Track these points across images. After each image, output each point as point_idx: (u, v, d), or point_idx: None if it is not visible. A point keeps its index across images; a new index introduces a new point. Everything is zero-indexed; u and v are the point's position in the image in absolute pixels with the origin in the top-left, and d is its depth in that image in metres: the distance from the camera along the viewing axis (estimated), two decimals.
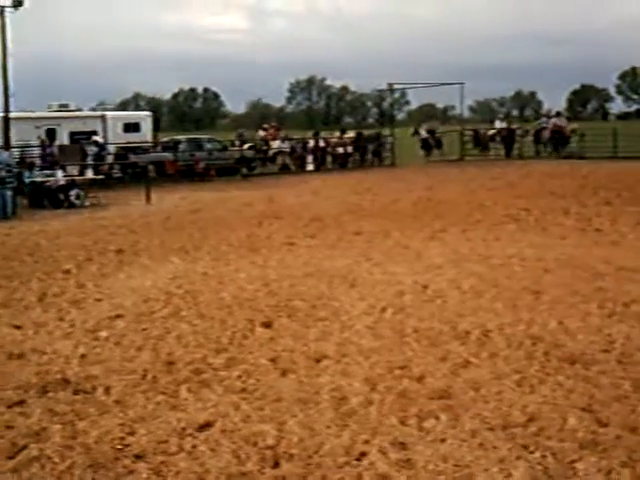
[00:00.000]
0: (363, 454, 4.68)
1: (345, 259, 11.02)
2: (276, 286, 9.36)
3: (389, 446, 4.76)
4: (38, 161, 24.88)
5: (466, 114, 58.36)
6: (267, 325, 7.67)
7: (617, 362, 6.18)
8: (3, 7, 25.82)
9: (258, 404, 5.55)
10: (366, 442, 4.83)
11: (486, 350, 6.61)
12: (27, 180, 21.17)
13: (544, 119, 38.43)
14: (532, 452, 4.63)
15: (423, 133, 37.02)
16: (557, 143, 34.26)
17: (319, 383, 5.96)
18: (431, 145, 36.27)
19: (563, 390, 5.62)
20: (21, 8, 25.28)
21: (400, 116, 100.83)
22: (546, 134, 34.84)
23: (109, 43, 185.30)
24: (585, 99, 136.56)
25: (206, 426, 5.15)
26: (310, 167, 31.97)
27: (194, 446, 4.84)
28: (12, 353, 7.05)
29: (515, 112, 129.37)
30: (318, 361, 6.51)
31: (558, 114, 37.89)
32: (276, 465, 4.58)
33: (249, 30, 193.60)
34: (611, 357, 6.31)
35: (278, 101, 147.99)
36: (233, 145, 33.57)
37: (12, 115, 27.43)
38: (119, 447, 4.85)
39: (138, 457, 4.70)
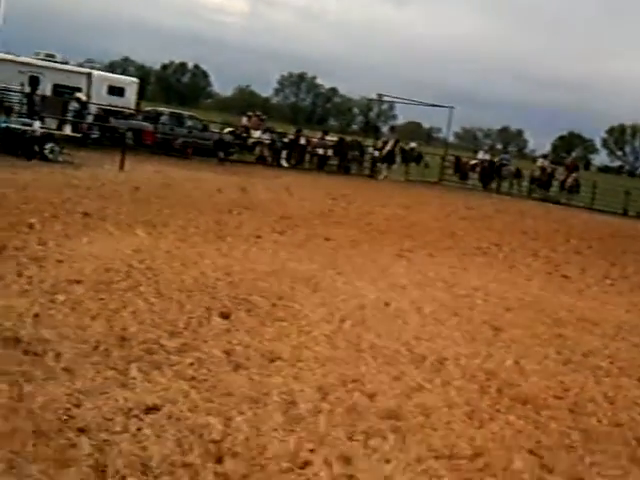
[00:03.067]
0: (307, 463, 4.61)
1: (310, 262, 10.94)
2: (238, 278, 9.25)
3: (334, 459, 4.69)
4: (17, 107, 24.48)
5: (451, 139, 58.57)
6: (225, 316, 7.55)
7: (569, 411, 6.18)
8: None
9: (207, 395, 5.45)
10: (311, 451, 4.77)
11: (440, 377, 6.58)
12: (2, 125, 20.75)
13: (505, 155, 40.36)
14: None
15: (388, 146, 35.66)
16: (541, 184, 34.95)
17: (270, 383, 5.88)
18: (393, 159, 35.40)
19: (512, 430, 5.61)
20: None
21: (385, 128, 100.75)
22: (506, 171, 35.99)
23: (105, 5, 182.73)
24: (570, 146, 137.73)
25: (153, 409, 5.03)
26: (284, 163, 31.83)
27: (139, 428, 4.73)
28: None
29: (499, 146, 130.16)
30: (272, 361, 6.43)
31: (545, 157, 39.69)
32: (219, 460, 4.50)
33: (249, 14, 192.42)
34: (563, 404, 6.32)
35: (265, 91, 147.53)
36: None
37: None
38: (64, 418, 4.72)
39: (81, 431, 4.57)
